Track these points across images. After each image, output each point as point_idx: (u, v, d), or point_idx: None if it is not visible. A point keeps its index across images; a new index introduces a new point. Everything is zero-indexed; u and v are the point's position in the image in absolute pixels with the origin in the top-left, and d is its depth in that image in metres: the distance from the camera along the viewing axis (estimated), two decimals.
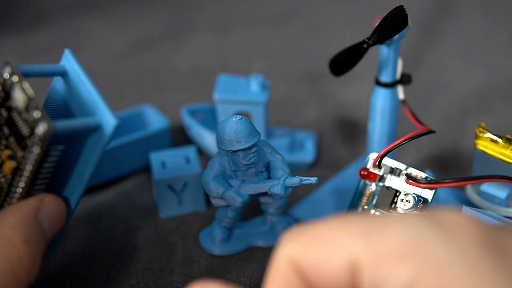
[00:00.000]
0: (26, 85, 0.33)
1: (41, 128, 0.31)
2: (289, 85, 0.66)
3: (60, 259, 0.44)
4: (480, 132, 0.43)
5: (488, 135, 0.43)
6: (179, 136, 0.57)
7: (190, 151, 0.49)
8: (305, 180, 0.40)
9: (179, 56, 0.71)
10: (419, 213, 0.24)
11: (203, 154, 0.54)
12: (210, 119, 0.55)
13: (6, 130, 0.34)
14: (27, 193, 0.35)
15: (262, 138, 0.41)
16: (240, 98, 0.50)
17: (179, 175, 0.47)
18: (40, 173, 0.34)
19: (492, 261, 0.22)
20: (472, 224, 0.23)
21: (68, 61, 0.37)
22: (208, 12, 0.80)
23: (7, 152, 0.34)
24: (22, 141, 0.33)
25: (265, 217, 0.46)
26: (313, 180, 0.40)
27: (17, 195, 0.34)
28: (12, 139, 0.33)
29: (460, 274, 0.22)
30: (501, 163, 0.42)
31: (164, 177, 0.47)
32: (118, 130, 0.53)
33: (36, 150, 0.32)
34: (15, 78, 0.33)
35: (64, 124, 0.33)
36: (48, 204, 0.34)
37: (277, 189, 0.40)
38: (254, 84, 0.50)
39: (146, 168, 0.53)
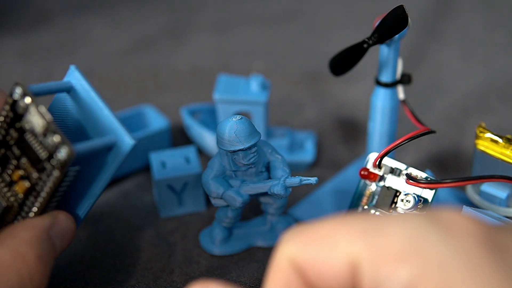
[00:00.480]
0: (43, 109, 0.32)
1: (62, 153, 0.31)
2: (289, 85, 0.66)
3: (60, 259, 0.44)
4: (481, 132, 0.43)
5: (489, 135, 0.43)
6: (179, 136, 0.57)
7: (190, 151, 0.49)
8: (305, 180, 0.40)
9: (179, 56, 0.71)
10: (419, 213, 0.24)
11: (203, 154, 0.54)
12: (210, 119, 0.55)
13: (16, 151, 0.34)
14: (41, 212, 0.35)
15: (262, 138, 0.41)
16: (240, 98, 0.50)
17: (179, 175, 0.47)
18: (56, 193, 0.35)
19: (492, 260, 0.22)
20: (472, 223, 0.23)
21: (74, 78, 0.37)
22: (208, 12, 0.80)
23: (19, 173, 0.34)
24: (38, 164, 0.33)
25: (265, 217, 0.46)
26: (313, 180, 0.40)
27: (31, 214, 0.35)
28: (24, 160, 0.33)
29: (460, 273, 0.22)
30: (501, 163, 0.42)
31: (164, 177, 0.47)
32: None
33: (56, 173, 0.32)
34: (27, 100, 0.33)
35: (84, 146, 0.33)
36: (60, 222, 0.35)
37: (277, 189, 0.40)
38: (254, 84, 0.50)
39: (146, 168, 0.53)
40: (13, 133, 0.33)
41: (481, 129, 0.43)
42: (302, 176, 0.40)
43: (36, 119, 0.32)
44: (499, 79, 0.66)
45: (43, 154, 0.32)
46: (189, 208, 0.49)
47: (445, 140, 0.56)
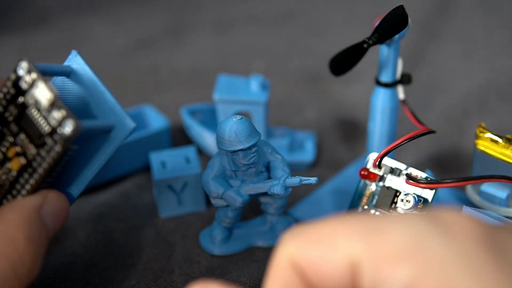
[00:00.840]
0: (50, 84, 0.32)
1: (68, 128, 0.31)
2: (289, 85, 0.66)
3: (60, 259, 0.44)
4: (481, 132, 0.43)
5: (489, 135, 0.43)
6: (179, 136, 0.57)
7: (190, 151, 0.49)
8: (305, 180, 0.40)
9: (179, 56, 0.71)
10: (420, 212, 0.24)
11: (203, 154, 0.54)
12: (210, 119, 0.55)
13: (14, 127, 0.34)
14: (34, 191, 0.34)
15: (262, 138, 0.41)
16: (240, 98, 0.50)
17: (179, 175, 0.47)
18: (52, 172, 0.34)
19: (493, 261, 0.22)
20: (473, 223, 0.23)
21: (76, 62, 0.37)
22: (208, 12, 0.80)
23: (16, 149, 0.33)
24: (39, 139, 0.33)
25: (265, 217, 0.46)
26: (313, 180, 0.40)
27: (24, 192, 0.34)
28: (23, 136, 0.33)
29: (460, 274, 0.22)
30: (501, 163, 0.42)
31: (164, 177, 0.47)
32: None
33: (58, 148, 0.32)
34: (33, 75, 0.33)
35: (88, 123, 0.33)
36: (51, 201, 0.34)
37: (277, 189, 0.40)
38: (254, 84, 0.50)
39: (146, 168, 0.53)
40: (13, 109, 0.33)
41: (481, 129, 0.43)
42: (302, 176, 0.40)
43: (42, 93, 0.32)
44: (499, 79, 0.66)
45: (46, 128, 0.32)
46: (189, 208, 0.49)
47: (445, 140, 0.56)
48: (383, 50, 0.44)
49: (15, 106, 0.33)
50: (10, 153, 0.34)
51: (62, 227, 0.36)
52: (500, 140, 0.42)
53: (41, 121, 0.32)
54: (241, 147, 0.39)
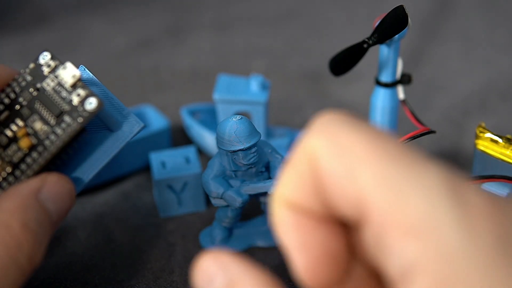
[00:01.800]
0: (72, 66, 0.35)
1: (93, 103, 0.34)
2: (289, 85, 0.66)
3: (60, 259, 0.44)
4: (480, 132, 0.43)
5: (488, 135, 0.43)
6: (179, 136, 0.57)
7: (190, 151, 0.49)
8: None
9: (179, 56, 0.71)
10: (450, 178, 0.21)
11: (203, 154, 0.54)
12: (210, 119, 0.55)
13: (26, 111, 0.35)
14: (40, 172, 0.34)
15: (262, 138, 0.41)
16: (240, 98, 0.50)
17: (179, 175, 0.47)
18: (61, 154, 0.35)
19: (508, 260, 0.20)
20: (498, 218, 0.21)
21: (84, 73, 0.38)
22: (208, 12, 0.80)
23: (26, 130, 0.35)
24: (55, 118, 0.34)
25: (265, 217, 0.46)
26: None
27: (30, 172, 0.34)
28: (35, 118, 0.35)
29: (470, 267, 0.20)
30: (501, 163, 0.42)
31: (164, 177, 0.47)
32: None
33: (76, 125, 0.34)
34: (56, 61, 0.36)
35: (108, 107, 0.35)
36: (51, 184, 0.33)
37: None
38: (254, 84, 0.50)
39: (146, 168, 0.53)
40: (27, 95, 0.35)
41: (481, 129, 0.43)
42: None
43: (69, 72, 0.35)
44: (499, 79, 0.66)
45: (65, 106, 0.34)
46: (189, 208, 0.48)
47: (445, 140, 0.56)
48: (383, 50, 0.44)
49: (30, 91, 0.35)
50: (20, 133, 0.34)
51: (69, 210, 0.34)
52: (500, 140, 0.42)
53: (61, 101, 0.34)
54: (241, 147, 0.39)
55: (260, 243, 0.45)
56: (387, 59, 0.44)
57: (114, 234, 0.47)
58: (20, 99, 0.35)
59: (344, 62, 0.44)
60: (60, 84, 0.35)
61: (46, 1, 0.83)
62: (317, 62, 0.67)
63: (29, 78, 0.36)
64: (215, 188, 0.41)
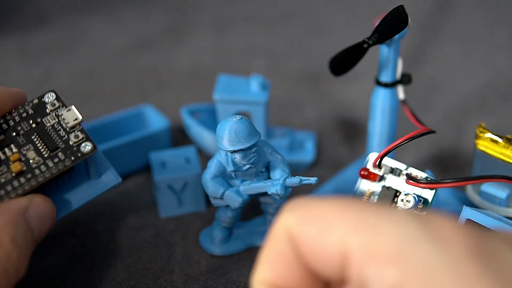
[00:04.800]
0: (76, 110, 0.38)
1: (87, 147, 0.37)
2: (289, 85, 0.66)
3: (60, 259, 0.44)
4: (481, 132, 0.43)
5: (489, 135, 0.43)
6: (179, 136, 0.57)
7: (190, 151, 0.49)
8: (305, 180, 0.40)
9: (179, 56, 0.71)
10: (415, 213, 0.24)
11: (203, 154, 0.54)
12: (210, 119, 0.55)
13: (21, 140, 0.38)
14: (23, 195, 0.36)
15: (262, 138, 0.41)
16: (240, 98, 0.50)
17: (179, 175, 0.47)
18: (45, 184, 0.37)
19: (481, 271, 0.22)
20: (464, 232, 0.23)
21: None
22: (208, 12, 0.80)
23: (19, 156, 0.37)
24: (50, 152, 0.37)
25: (265, 217, 0.46)
26: (313, 180, 0.40)
27: (13, 195, 0.36)
28: (29, 147, 0.37)
29: (445, 282, 0.22)
30: (501, 163, 0.42)
31: (164, 177, 0.47)
32: (118, 130, 0.54)
33: (73, 159, 0.37)
34: (59, 103, 0.38)
35: (100, 154, 0.39)
36: (37, 205, 0.35)
37: (277, 189, 0.40)
38: (254, 84, 0.50)
39: (146, 168, 0.53)
40: (26, 125, 0.38)
41: (481, 129, 0.43)
42: (302, 176, 0.40)
43: (72, 115, 0.37)
44: (499, 79, 0.66)
45: (61, 144, 0.37)
46: (189, 208, 0.48)
47: (445, 140, 0.56)
48: (383, 50, 0.44)
49: (30, 123, 0.38)
50: (13, 158, 0.37)
51: (48, 231, 0.37)
52: (500, 140, 0.42)
53: (58, 138, 0.37)
54: (241, 147, 0.39)
55: (260, 243, 0.45)
56: (387, 59, 0.44)
57: (114, 234, 0.47)
58: (19, 128, 0.38)
59: (344, 62, 0.44)
60: (60, 123, 0.38)
61: (46, 1, 0.83)
62: (317, 62, 0.67)
63: (31, 111, 0.38)
64: (214, 188, 0.41)
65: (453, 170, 0.53)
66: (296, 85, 0.66)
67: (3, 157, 0.37)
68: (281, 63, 0.69)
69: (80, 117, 0.37)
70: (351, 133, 0.58)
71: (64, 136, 0.37)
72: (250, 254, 0.45)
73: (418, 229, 0.23)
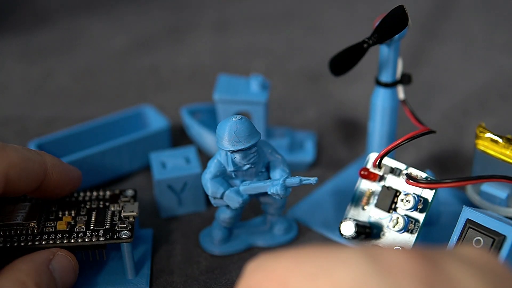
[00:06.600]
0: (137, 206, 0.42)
1: (126, 234, 0.40)
2: (289, 85, 0.66)
3: None
4: (481, 132, 0.43)
5: (489, 135, 0.43)
6: (179, 136, 0.57)
7: (190, 151, 0.49)
8: (305, 180, 0.40)
9: (179, 56, 0.71)
10: (364, 249, 0.26)
11: (203, 154, 0.54)
12: (210, 119, 0.55)
13: (83, 211, 0.42)
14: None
15: (262, 138, 0.41)
16: (240, 98, 0.50)
17: (179, 175, 0.47)
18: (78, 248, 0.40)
19: None
20: (413, 263, 0.25)
21: None
22: (208, 12, 0.80)
23: (70, 219, 0.41)
24: (93, 226, 0.41)
25: (265, 217, 0.46)
26: (313, 180, 0.40)
27: (44, 243, 0.39)
28: (84, 218, 0.41)
29: None
30: (501, 163, 0.42)
31: (164, 177, 0.47)
32: (118, 130, 0.54)
33: (106, 238, 0.40)
34: (132, 199, 0.43)
35: (130, 247, 0.41)
36: (59, 257, 0.38)
37: (277, 189, 0.40)
38: (254, 84, 0.50)
39: (146, 168, 0.53)
40: (94, 204, 0.43)
41: (481, 129, 0.43)
42: (302, 176, 0.40)
43: (130, 207, 0.42)
44: (499, 79, 0.66)
45: (107, 225, 0.41)
46: (189, 208, 0.48)
47: (445, 140, 0.56)
48: (383, 50, 0.44)
49: (99, 203, 0.43)
50: (65, 219, 0.41)
51: (71, 285, 0.39)
52: (500, 140, 0.42)
53: (109, 220, 0.41)
54: (241, 147, 0.39)
55: (260, 243, 0.45)
56: (387, 59, 0.44)
57: None
58: (88, 204, 0.43)
59: (344, 62, 0.44)
60: (119, 211, 0.42)
61: (46, 1, 0.83)
62: (317, 62, 0.67)
63: (107, 195, 0.43)
64: (214, 188, 0.41)
65: (453, 170, 0.53)
66: (296, 85, 0.66)
67: (60, 215, 0.41)
68: (281, 63, 0.69)
69: (136, 214, 0.41)
70: (351, 133, 0.58)
71: (115, 221, 0.41)
72: (250, 254, 0.45)
73: (369, 267, 0.25)
